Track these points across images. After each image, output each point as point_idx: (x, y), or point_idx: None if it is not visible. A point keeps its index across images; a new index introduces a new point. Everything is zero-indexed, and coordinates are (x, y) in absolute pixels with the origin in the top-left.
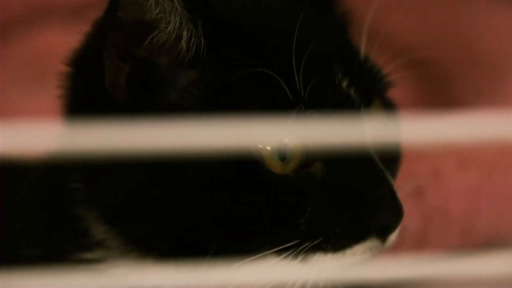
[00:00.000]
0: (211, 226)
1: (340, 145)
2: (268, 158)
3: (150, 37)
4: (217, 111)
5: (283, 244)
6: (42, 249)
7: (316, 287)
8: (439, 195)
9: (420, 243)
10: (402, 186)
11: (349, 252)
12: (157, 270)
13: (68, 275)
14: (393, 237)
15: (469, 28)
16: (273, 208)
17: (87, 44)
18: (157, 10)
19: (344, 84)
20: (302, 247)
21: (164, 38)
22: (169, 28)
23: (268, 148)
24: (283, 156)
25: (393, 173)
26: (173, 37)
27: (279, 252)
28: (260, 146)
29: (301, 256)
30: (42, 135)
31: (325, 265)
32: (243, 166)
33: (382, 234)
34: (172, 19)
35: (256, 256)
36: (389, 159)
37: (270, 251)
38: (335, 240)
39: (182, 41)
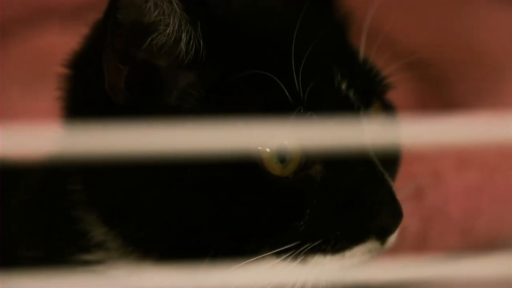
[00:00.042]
0: (211, 228)
1: (340, 147)
2: (267, 160)
3: (149, 39)
4: (217, 113)
5: (282, 246)
6: (42, 251)
7: None
8: (439, 196)
9: (420, 245)
10: (402, 187)
11: (348, 254)
12: (156, 271)
13: (67, 277)
14: (392, 239)
15: (469, 29)
16: (272, 210)
17: (86, 46)
18: (156, 13)
19: (343, 86)
20: (301, 249)
21: (163, 40)
22: (168, 30)
23: (268, 150)
24: (282, 158)
25: (393, 175)
26: (172, 39)
27: (278, 254)
28: (259, 148)
29: (301, 258)
30: (41, 137)
31: (325, 267)
32: (243, 168)
33: (382, 235)
34: (171, 21)
35: (256, 257)
36: (388, 161)
37: (269, 253)
38: (334, 241)
39: (181, 43)
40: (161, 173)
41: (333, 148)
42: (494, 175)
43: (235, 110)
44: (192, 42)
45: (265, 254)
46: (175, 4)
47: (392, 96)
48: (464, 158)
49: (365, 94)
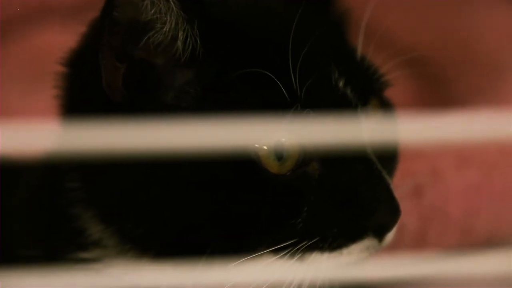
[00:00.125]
0: (208, 225)
1: (337, 144)
2: (264, 158)
3: (146, 37)
4: (214, 110)
5: (280, 244)
6: (40, 249)
7: (313, 287)
8: (438, 194)
9: (419, 243)
10: (400, 185)
11: (346, 251)
12: (153, 269)
13: (66, 275)
14: (390, 236)
15: (468, 28)
16: (270, 208)
17: (83, 44)
18: (152, 11)
19: (341, 83)
20: (299, 246)
21: (160, 39)
22: (165, 29)
23: (265, 147)
24: (279, 156)
25: (391, 172)
26: (169, 38)
27: (276, 252)
28: (256, 145)
29: (298, 256)
30: (39, 135)
31: (322, 265)
32: (240, 166)
33: (379, 233)
34: (168, 20)
35: (253, 255)
36: (386, 158)
37: (266, 251)
38: (332, 239)
39: (178, 41)
40: (159, 171)
41: (331, 145)
42: (493, 173)
43: (232, 108)
44: (189, 40)
45: (262, 252)
46: (171, 3)
47: (391, 93)
48: (463, 156)
49: (363, 91)
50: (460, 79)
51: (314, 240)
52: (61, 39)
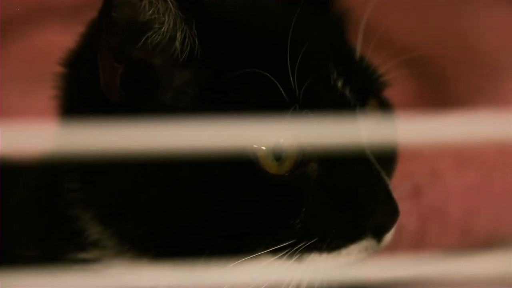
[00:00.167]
0: (207, 226)
1: (336, 145)
2: (263, 158)
3: (144, 37)
4: (212, 111)
5: (278, 244)
6: (40, 249)
7: (311, 287)
8: (437, 195)
9: (419, 243)
10: (399, 186)
11: (344, 252)
12: (152, 270)
13: (65, 275)
14: (389, 237)
15: (468, 28)
16: (268, 208)
17: (82, 44)
18: (151, 11)
19: (339, 83)
20: (297, 247)
21: (158, 39)
22: (163, 29)
23: (263, 148)
24: (278, 156)
25: (389, 173)
26: (167, 38)
27: (274, 252)
28: (255, 146)
29: (297, 256)
30: (39, 135)
31: (321, 265)
32: (238, 166)
33: (378, 234)
34: (166, 20)
35: (252, 256)
36: (385, 159)
37: (265, 251)
38: (330, 240)
39: (176, 41)
40: (157, 172)
41: (329, 146)
42: (493, 173)
43: (231, 109)
44: (187, 41)
45: (261, 252)
46: (169, 3)
47: (391, 93)
48: (462, 157)
49: (362, 92)
50: (460, 79)
51: (312, 241)
52: (61, 39)
